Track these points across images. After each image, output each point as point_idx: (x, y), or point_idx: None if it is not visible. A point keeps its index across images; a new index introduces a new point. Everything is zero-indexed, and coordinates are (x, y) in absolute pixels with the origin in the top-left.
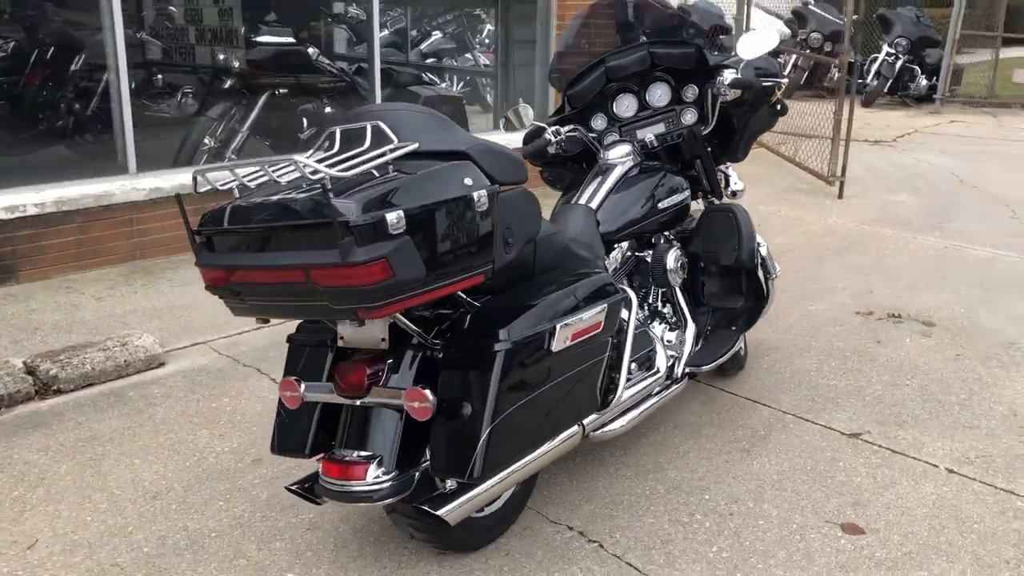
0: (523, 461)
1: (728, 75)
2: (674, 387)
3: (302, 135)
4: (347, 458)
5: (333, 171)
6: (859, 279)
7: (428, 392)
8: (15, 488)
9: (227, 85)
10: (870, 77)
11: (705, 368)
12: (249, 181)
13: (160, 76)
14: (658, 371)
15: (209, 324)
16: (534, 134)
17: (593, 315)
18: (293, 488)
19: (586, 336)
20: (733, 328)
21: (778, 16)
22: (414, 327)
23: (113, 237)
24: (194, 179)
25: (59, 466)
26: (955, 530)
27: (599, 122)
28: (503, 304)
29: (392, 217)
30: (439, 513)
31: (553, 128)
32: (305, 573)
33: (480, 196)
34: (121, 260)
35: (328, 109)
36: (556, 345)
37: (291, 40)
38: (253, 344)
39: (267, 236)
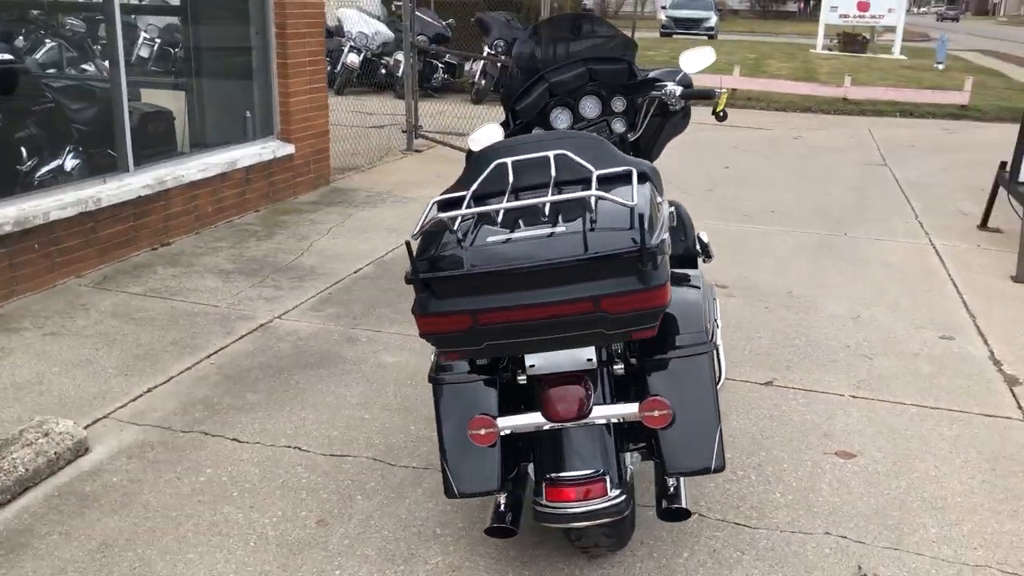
0: None
1: (674, 87)
2: None
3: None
4: (581, 479)
5: (636, 200)
6: None
7: (666, 399)
8: None
9: None
10: (477, 77)
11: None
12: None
13: None
14: None
15: (74, 399)
16: None
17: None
18: (495, 527)
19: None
20: None
21: (377, 17)
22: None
23: None
24: (433, 217)
25: None
26: (903, 439)
27: None
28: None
29: (666, 240)
30: (689, 507)
31: None
32: None
33: (673, 211)
34: None
35: None
36: (717, 338)
37: None
38: (162, 408)
39: (538, 273)
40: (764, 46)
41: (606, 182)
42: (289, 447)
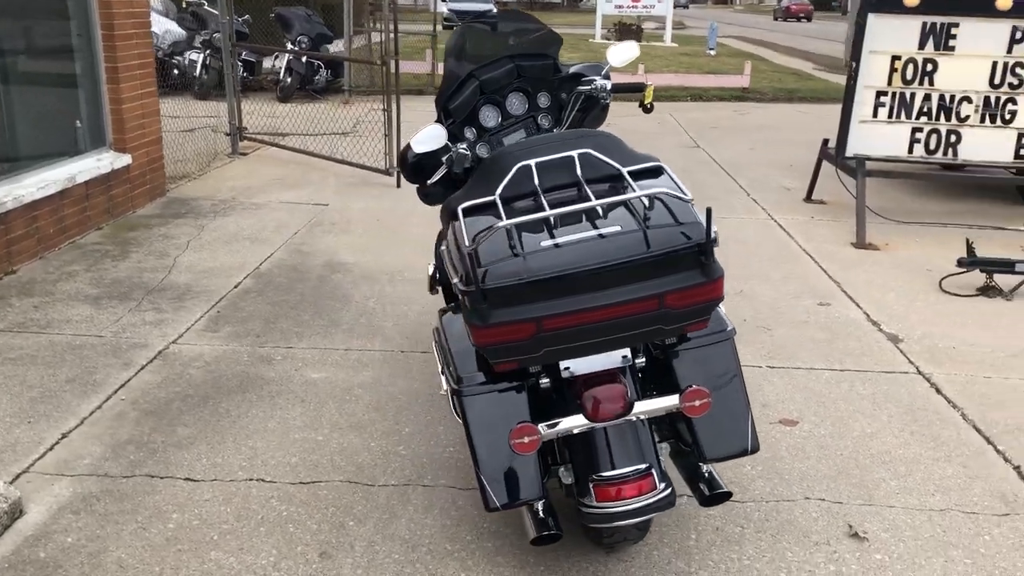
0: None
1: (604, 82)
2: None
3: None
4: (630, 476)
5: (689, 195)
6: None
7: (705, 388)
8: None
9: None
10: (282, 74)
11: None
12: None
13: None
14: None
15: None
16: (441, 151)
17: None
18: (545, 535)
19: None
20: None
21: (164, 14)
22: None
23: None
24: (494, 227)
25: None
26: (830, 402)
27: (470, 134)
28: None
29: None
30: (729, 490)
31: (464, 146)
32: None
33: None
34: None
35: None
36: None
37: None
38: (88, 454)
39: (604, 274)
40: None
41: (634, 178)
42: (252, 480)
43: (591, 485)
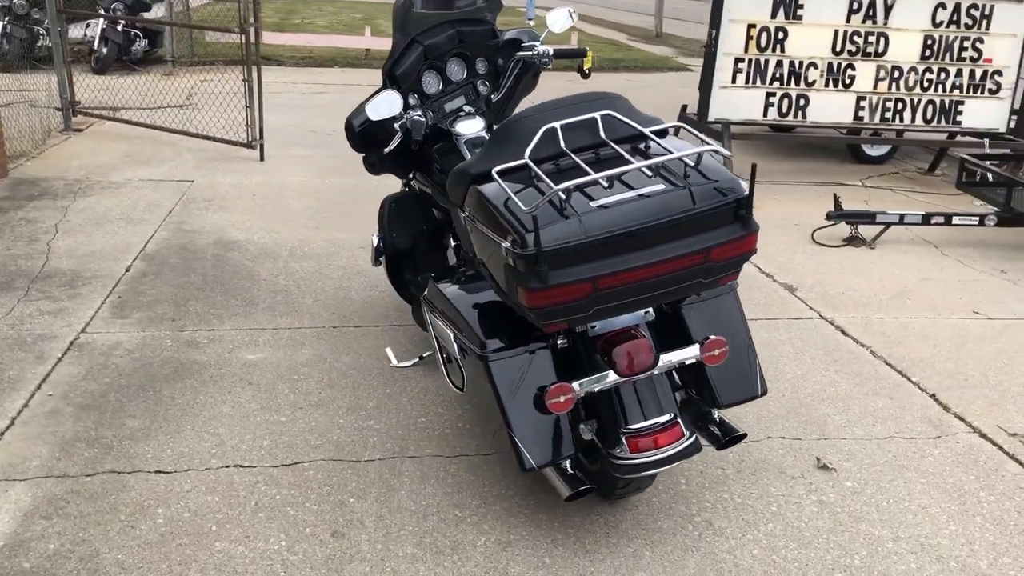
0: None
1: (546, 48)
2: None
3: None
4: (661, 426)
5: (728, 152)
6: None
7: (723, 337)
8: None
9: None
10: (96, 44)
11: None
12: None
13: None
14: None
15: None
16: (393, 118)
17: None
18: (580, 491)
19: None
20: None
21: None
22: None
23: None
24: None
25: None
26: (758, 348)
27: (413, 100)
28: None
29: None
30: (744, 432)
31: (419, 112)
32: None
33: None
34: None
35: None
36: None
37: None
38: (35, 455)
39: (655, 231)
40: (364, 6)
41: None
42: (229, 466)
43: (624, 437)
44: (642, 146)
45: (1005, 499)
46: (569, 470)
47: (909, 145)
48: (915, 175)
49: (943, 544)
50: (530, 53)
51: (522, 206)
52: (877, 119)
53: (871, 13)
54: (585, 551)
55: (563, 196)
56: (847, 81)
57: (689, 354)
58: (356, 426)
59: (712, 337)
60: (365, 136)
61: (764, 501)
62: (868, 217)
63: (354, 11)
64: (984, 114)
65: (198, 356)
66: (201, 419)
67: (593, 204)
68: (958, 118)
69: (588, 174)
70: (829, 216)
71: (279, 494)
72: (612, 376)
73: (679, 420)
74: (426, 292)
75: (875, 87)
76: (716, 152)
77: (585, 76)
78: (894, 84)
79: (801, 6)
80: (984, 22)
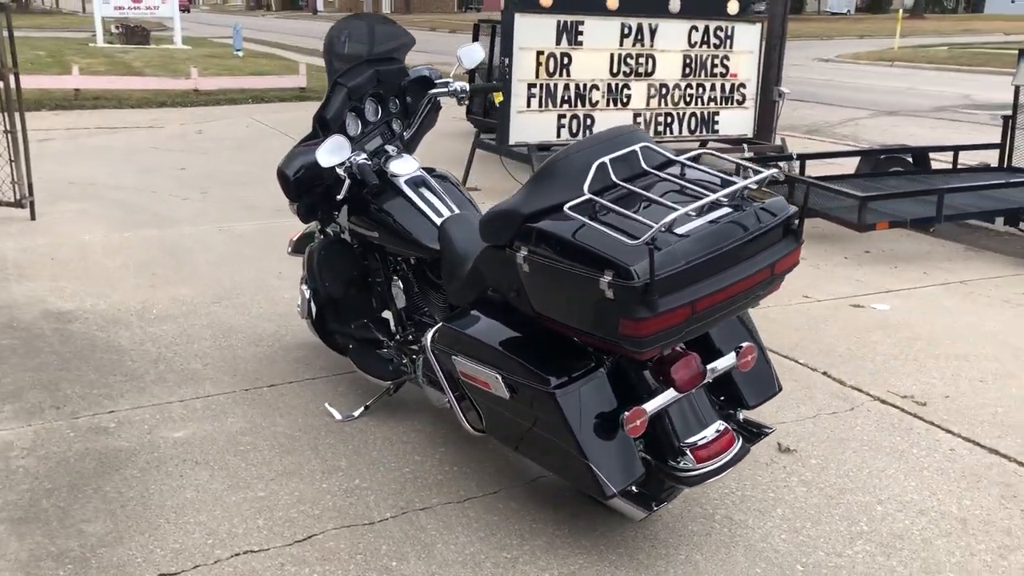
0: None
1: (462, 84)
2: None
3: None
4: (715, 435)
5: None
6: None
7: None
8: None
9: None
10: None
11: None
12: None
13: None
14: None
15: None
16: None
17: None
18: (654, 509)
19: None
20: None
21: None
22: None
23: None
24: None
25: None
26: None
27: None
28: None
29: None
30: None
31: (363, 155)
32: None
33: None
34: None
35: None
36: None
37: None
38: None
39: (736, 251)
40: (42, 42)
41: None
42: (240, 554)
43: (688, 450)
44: (677, 172)
45: (932, 452)
46: (635, 490)
47: None
48: None
49: (915, 499)
50: (446, 90)
51: (622, 239)
52: (652, 133)
53: (640, 37)
54: (645, 566)
55: (663, 229)
56: (624, 100)
57: (728, 363)
58: (344, 488)
59: (745, 344)
60: (300, 184)
61: (760, 489)
62: None
63: (35, 48)
64: (735, 122)
65: (116, 443)
66: (170, 510)
67: (682, 230)
68: (715, 127)
69: (652, 202)
70: None
71: (315, 573)
72: (672, 393)
73: (729, 427)
74: (432, 337)
75: (647, 104)
76: (766, 177)
77: (494, 109)
78: (663, 100)
79: (581, 32)
80: (728, 42)
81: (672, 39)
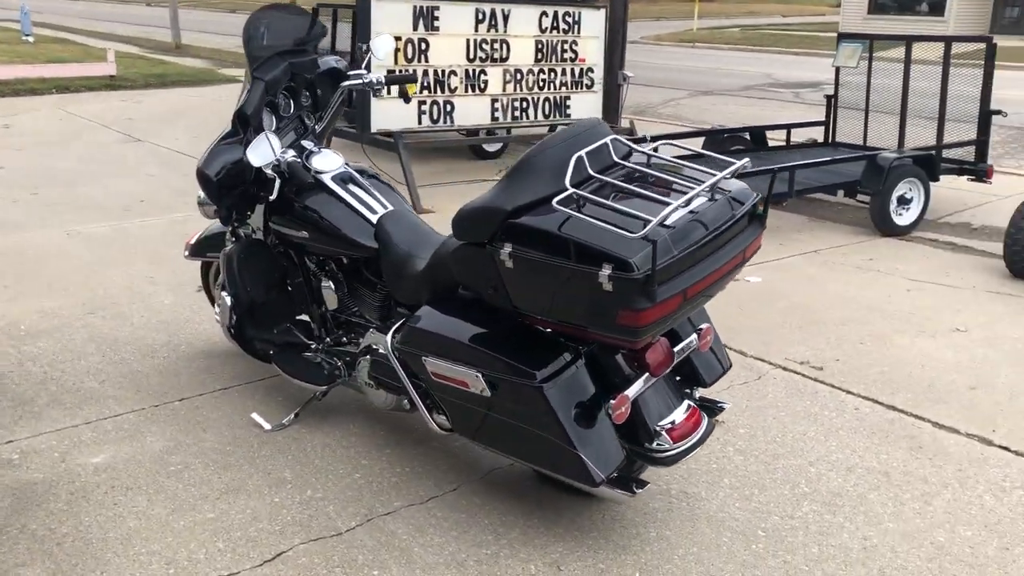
0: None
1: (380, 76)
2: None
3: None
4: (683, 417)
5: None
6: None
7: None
8: None
9: None
10: None
11: None
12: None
13: None
14: None
15: None
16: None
17: None
18: (636, 492)
19: None
20: None
21: None
22: None
23: None
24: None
25: None
26: None
27: None
28: None
29: None
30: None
31: (290, 152)
32: None
33: None
34: None
35: None
36: None
37: None
38: None
39: (717, 237)
40: None
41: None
42: None
43: (663, 431)
44: (643, 161)
45: (841, 413)
46: (615, 475)
47: (516, 141)
48: None
49: (840, 457)
50: (361, 82)
51: (621, 232)
52: (509, 118)
53: (493, 22)
54: (622, 547)
55: (630, 214)
56: (482, 85)
57: (691, 344)
58: (298, 501)
59: (704, 326)
60: (222, 185)
61: (702, 462)
62: None
63: None
64: (585, 106)
65: (26, 475)
66: (115, 542)
67: (671, 219)
68: (567, 111)
69: (634, 194)
70: None
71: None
72: (646, 377)
73: (694, 406)
74: (398, 337)
75: (504, 89)
76: (745, 165)
77: (407, 100)
78: (518, 85)
79: (437, 18)
80: (576, 27)
81: (524, 24)
